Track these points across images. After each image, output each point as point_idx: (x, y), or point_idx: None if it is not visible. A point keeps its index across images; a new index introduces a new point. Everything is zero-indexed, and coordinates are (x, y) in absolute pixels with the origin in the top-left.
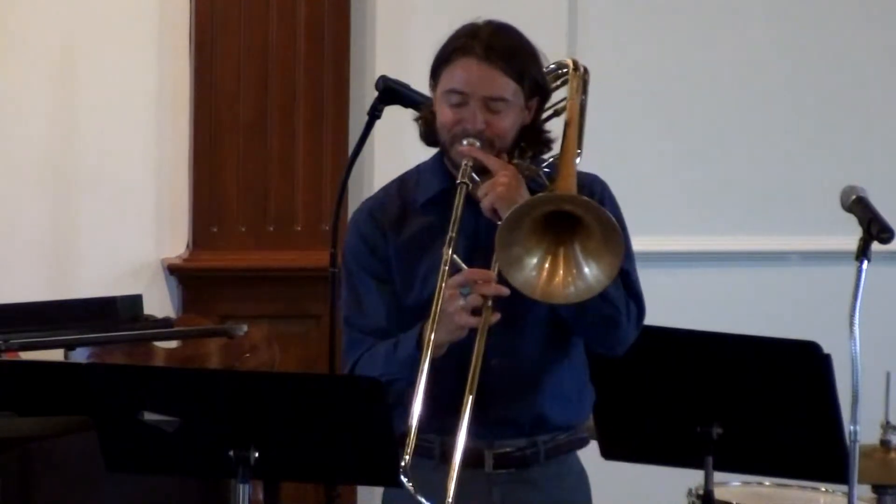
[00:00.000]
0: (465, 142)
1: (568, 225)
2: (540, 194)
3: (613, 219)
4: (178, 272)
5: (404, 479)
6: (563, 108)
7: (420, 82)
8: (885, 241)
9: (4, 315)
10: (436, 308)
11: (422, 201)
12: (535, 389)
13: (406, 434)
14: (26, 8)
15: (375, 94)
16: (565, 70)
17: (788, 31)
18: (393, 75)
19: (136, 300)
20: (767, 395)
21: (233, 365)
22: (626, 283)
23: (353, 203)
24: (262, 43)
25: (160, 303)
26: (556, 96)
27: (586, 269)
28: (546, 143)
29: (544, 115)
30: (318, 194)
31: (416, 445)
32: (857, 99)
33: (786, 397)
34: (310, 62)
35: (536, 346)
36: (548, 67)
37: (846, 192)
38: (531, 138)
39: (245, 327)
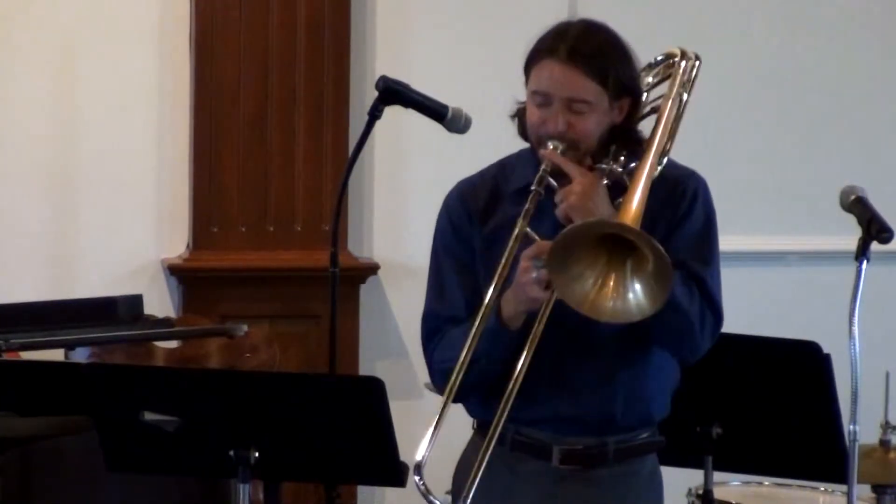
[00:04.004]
0: (549, 144)
1: (625, 245)
2: (592, 220)
3: (666, 255)
4: (178, 272)
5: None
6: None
7: (420, 82)
8: (884, 240)
9: (4, 315)
10: (500, 273)
11: (512, 190)
12: (608, 389)
13: (489, 423)
14: (26, 8)
15: (375, 94)
16: (673, 60)
17: (788, 31)
18: (393, 75)
19: (136, 300)
20: (767, 395)
21: (233, 365)
22: (702, 292)
23: (353, 203)
24: (262, 43)
25: (160, 303)
26: (659, 91)
27: (630, 296)
28: (638, 143)
29: (644, 112)
30: (318, 194)
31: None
32: (857, 99)
33: (786, 397)
34: (310, 62)
35: (613, 345)
36: (655, 59)
37: (846, 192)
38: (622, 139)
39: (245, 327)
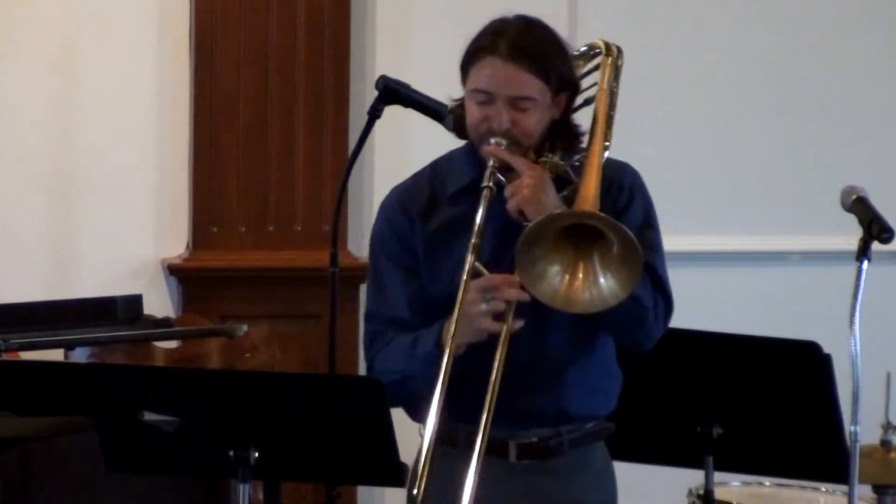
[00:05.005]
0: (492, 141)
1: (589, 234)
2: (557, 212)
3: (632, 235)
4: (178, 272)
5: None
6: (594, 98)
7: (420, 82)
8: (885, 241)
9: (4, 315)
10: (457, 313)
11: (451, 192)
12: (560, 381)
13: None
14: (26, 8)
15: (375, 94)
16: (597, 52)
17: (789, 30)
18: (393, 75)
19: (136, 300)
20: (767, 395)
21: (233, 365)
22: (653, 279)
23: (353, 203)
24: (262, 43)
25: (160, 303)
26: (588, 80)
27: (603, 282)
28: (576, 137)
29: (575, 105)
30: (318, 194)
31: (446, 435)
32: (857, 99)
33: (786, 397)
34: (310, 62)
35: (563, 338)
36: (578, 51)
37: (846, 192)
38: (561, 133)
39: (245, 327)
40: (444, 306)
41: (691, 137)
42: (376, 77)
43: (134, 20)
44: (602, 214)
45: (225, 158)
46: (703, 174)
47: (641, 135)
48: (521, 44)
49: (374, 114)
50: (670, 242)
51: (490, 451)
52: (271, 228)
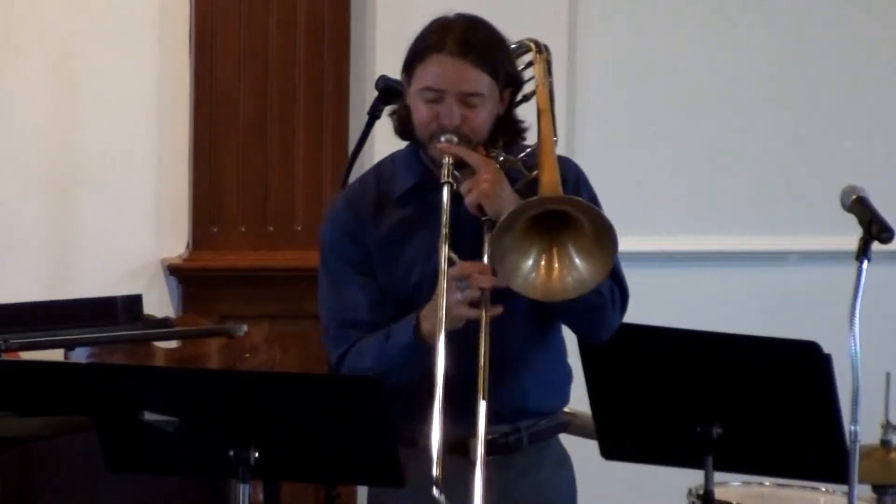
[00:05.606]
0: (443, 138)
1: (559, 220)
2: (527, 200)
3: (604, 214)
4: (178, 272)
5: (436, 492)
6: (532, 93)
7: None
8: (885, 241)
9: (4, 315)
10: (441, 303)
11: (398, 194)
12: (516, 378)
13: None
14: (26, 8)
15: (375, 94)
16: (525, 50)
17: (789, 30)
18: (393, 75)
19: (136, 300)
20: (767, 395)
21: (233, 365)
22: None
23: None
24: (262, 43)
25: (160, 303)
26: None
27: (580, 264)
28: (520, 133)
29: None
30: (318, 194)
31: (402, 436)
32: (857, 99)
33: (786, 397)
34: (310, 62)
35: (518, 335)
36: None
37: (846, 192)
38: (506, 128)
39: (245, 327)
40: (404, 304)
41: (691, 137)
42: (376, 77)
43: (134, 20)
44: (574, 197)
45: (225, 158)
46: (704, 174)
47: (641, 135)
48: (468, 40)
49: (374, 114)
50: (670, 243)
51: (452, 449)
52: (271, 228)
